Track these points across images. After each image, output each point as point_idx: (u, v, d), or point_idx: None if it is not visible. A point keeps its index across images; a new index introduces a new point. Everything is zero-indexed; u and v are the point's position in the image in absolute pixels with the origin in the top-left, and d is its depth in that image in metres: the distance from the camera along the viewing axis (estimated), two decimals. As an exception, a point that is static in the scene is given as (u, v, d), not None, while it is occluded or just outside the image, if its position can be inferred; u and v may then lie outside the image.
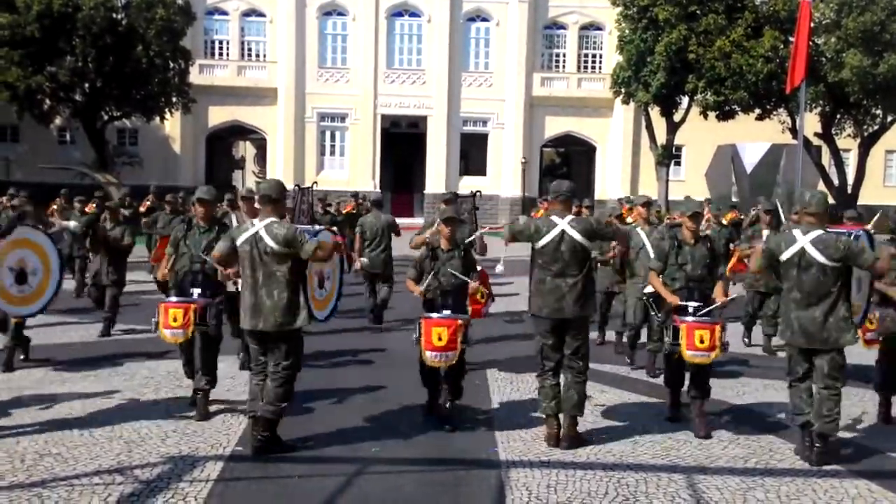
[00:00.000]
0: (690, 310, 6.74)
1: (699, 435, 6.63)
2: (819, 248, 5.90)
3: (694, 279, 6.92)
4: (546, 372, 6.36)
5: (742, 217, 14.79)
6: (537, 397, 6.50)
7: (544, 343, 6.35)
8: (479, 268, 7.62)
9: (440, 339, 6.49)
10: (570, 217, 6.32)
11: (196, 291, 6.91)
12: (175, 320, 6.70)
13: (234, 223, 8.44)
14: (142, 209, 17.04)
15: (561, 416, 6.35)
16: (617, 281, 10.03)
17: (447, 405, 6.87)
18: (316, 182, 10.22)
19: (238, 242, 6.03)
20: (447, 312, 6.75)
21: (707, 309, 6.82)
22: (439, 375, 6.91)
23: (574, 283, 6.22)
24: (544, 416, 6.40)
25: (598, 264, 10.09)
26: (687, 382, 6.96)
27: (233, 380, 8.15)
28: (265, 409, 5.94)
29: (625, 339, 9.76)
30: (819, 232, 5.97)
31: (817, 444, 6.00)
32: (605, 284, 10.08)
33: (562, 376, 6.43)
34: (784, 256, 6.06)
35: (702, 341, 6.51)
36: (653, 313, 7.76)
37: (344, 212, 19.18)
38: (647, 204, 9.50)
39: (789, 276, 6.07)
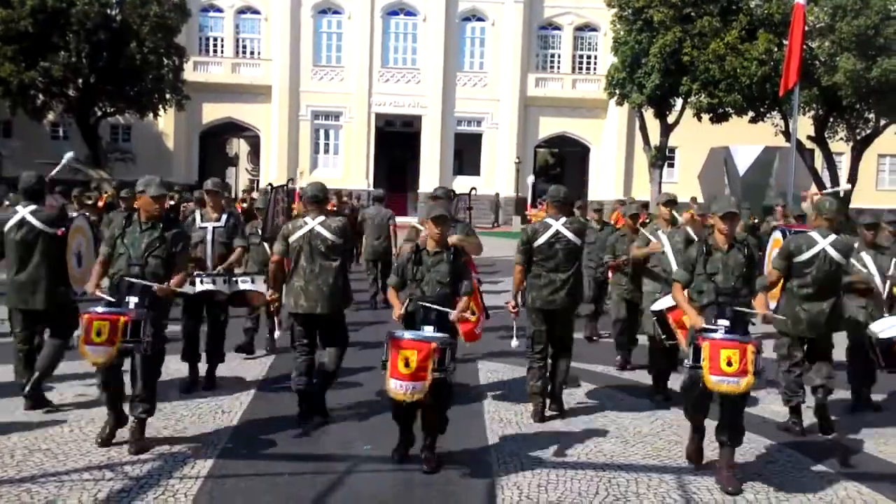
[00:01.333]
0: (721, 331, 5.51)
1: (727, 490, 5.46)
2: (837, 248, 6.68)
3: (726, 292, 5.67)
4: (535, 354, 7.07)
5: (756, 221, 13.54)
6: (526, 376, 7.19)
7: (536, 329, 7.06)
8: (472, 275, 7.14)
9: (407, 365, 5.31)
10: (563, 219, 7.03)
11: (132, 300, 5.73)
12: (99, 335, 5.53)
13: (199, 221, 7.92)
14: (99, 204, 15.88)
15: (547, 397, 7.17)
16: (632, 289, 8.89)
17: (426, 452, 5.76)
18: (292, 179, 9.78)
19: (292, 239, 6.64)
20: (429, 329, 5.61)
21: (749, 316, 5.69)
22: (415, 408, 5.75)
23: (567, 277, 6.96)
24: (530, 395, 7.14)
25: (611, 271, 9.49)
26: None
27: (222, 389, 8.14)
28: (330, 364, 6.76)
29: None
30: (835, 235, 6.74)
31: (819, 395, 6.77)
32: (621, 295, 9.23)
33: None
34: (804, 257, 6.70)
35: (729, 364, 5.29)
36: (661, 336, 7.04)
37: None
38: (671, 202, 8.21)
39: (803, 273, 6.73)
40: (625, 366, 9.14)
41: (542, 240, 6.94)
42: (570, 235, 6.94)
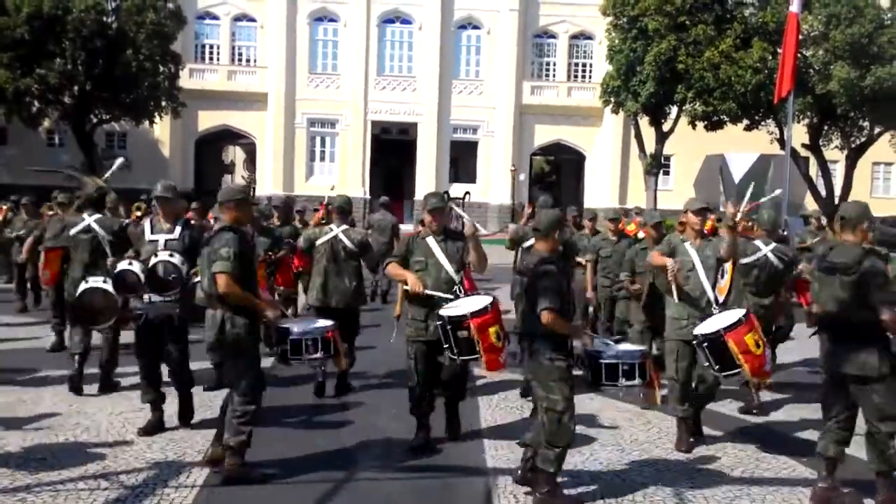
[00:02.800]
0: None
1: None
2: (777, 255, 7.68)
3: None
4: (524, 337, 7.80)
5: (785, 233, 11.52)
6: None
7: None
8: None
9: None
10: None
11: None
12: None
13: (149, 232, 6.67)
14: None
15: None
16: (642, 320, 8.07)
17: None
18: (254, 180, 8.90)
19: (318, 242, 7.79)
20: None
21: None
22: None
23: None
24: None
25: (630, 295, 8.55)
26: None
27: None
28: (347, 359, 7.56)
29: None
30: (774, 244, 7.75)
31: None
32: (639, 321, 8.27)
33: None
34: (746, 260, 7.50)
35: None
36: (706, 365, 5.82)
37: (311, 223, 12.70)
38: (704, 210, 6.78)
39: (750, 274, 7.65)
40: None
41: (529, 243, 7.80)
42: None
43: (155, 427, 6.60)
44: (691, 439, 6.62)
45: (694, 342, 5.95)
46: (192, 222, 9.43)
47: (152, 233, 6.67)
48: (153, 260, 6.35)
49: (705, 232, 7.03)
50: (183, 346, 6.75)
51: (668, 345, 6.70)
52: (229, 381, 5.67)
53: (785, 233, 10.16)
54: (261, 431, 6.63)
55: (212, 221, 9.29)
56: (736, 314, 5.83)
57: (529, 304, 5.31)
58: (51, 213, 11.75)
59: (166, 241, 6.56)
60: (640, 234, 9.70)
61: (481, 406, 7.71)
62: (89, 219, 7.71)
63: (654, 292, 7.40)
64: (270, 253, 9.05)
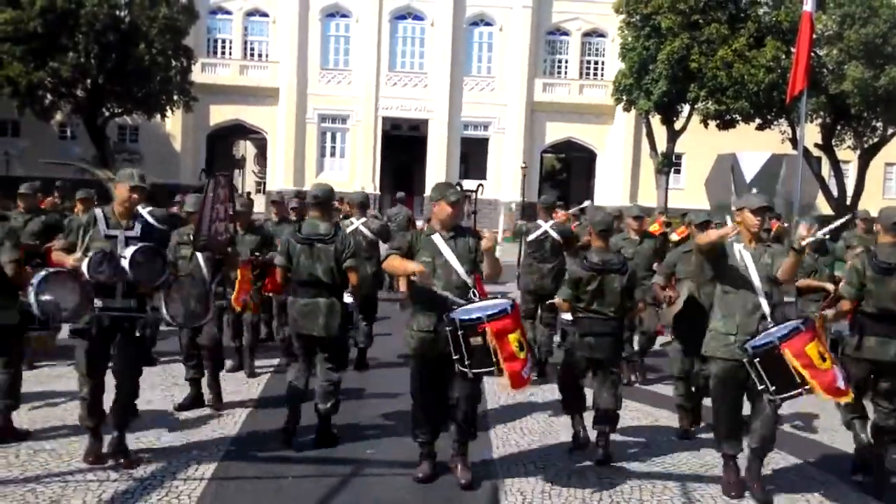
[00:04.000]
0: None
1: None
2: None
3: None
4: (525, 320, 8.09)
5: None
6: None
7: (527, 307, 8.69)
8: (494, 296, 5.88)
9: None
10: (551, 222, 8.96)
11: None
12: None
13: (104, 227, 5.53)
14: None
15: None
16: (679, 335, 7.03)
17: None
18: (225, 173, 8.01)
19: None
20: None
21: None
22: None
23: (551, 267, 8.76)
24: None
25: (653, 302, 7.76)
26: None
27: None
28: (365, 340, 9.00)
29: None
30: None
31: None
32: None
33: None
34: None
35: None
36: (761, 388, 5.05)
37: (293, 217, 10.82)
38: (765, 210, 5.51)
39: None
40: (689, 431, 6.95)
41: (532, 236, 8.88)
42: (554, 234, 8.80)
43: (98, 457, 5.62)
44: (738, 476, 5.60)
45: (744, 359, 5.10)
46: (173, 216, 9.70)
47: (108, 227, 5.56)
48: (129, 249, 5.39)
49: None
50: (138, 363, 5.87)
51: (714, 367, 5.55)
52: (332, 356, 6.33)
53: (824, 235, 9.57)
54: (267, 423, 6.66)
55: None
56: (792, 322, 5.07)
57: (628, 295, 6.25)
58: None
59: (127, 238, 5.55)
60: (674, 236, 9.69)
61: (488, 407, 7.69)
62: (143, 211, 8.01)
63: (692, 300, 6.61)
64: (258, 254, 8.24)
